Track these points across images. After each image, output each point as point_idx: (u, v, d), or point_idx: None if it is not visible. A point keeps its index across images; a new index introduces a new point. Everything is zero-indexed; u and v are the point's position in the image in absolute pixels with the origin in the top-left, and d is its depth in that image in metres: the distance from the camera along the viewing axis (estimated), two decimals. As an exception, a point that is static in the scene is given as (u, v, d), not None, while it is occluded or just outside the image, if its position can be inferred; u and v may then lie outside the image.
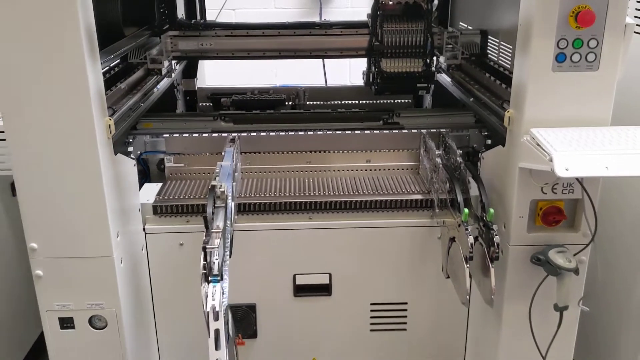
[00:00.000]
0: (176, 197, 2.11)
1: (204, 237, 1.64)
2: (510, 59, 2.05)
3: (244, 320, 2.20)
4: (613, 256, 2.12)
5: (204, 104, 2.97)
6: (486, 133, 2.11)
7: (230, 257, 1.75)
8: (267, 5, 4.20)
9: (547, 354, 1.83)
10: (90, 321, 1.85)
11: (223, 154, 2.02)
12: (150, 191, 2.14)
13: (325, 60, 3.91)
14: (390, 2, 2.53)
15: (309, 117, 2.48)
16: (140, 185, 2.11)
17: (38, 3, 1.51)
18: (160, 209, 2.07)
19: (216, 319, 1.53)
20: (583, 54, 1.62)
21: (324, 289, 2.18)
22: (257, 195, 2.12)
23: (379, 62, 2.55)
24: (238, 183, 2.14)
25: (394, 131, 2.30)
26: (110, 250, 1.76)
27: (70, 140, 1.63)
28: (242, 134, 2.21)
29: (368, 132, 2.31)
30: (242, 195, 2.12)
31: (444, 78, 2.71)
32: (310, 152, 2.30)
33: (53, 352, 1.88)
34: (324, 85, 3.68)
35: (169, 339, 2.19)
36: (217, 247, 1.61)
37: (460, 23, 2.75)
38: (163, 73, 2.56)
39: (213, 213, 1.71)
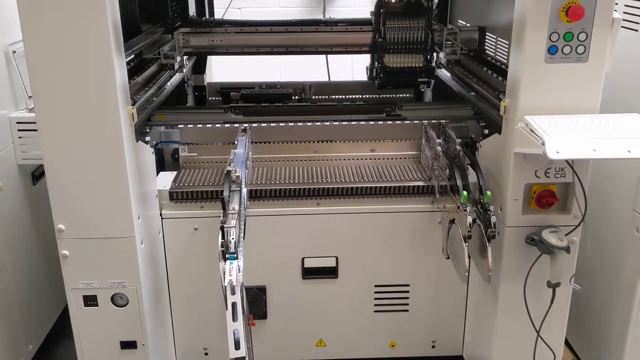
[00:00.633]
0: (191, 184, 2.23)
1: (222, 218, 1.76)
2: (506, 53, 2.17)
3: (255, 301, 2.32)
4: (602, 237, 2.24)
5: (213, 98, 3.08)
6: (483, 124, 2.23)
7: (244, 239, 1.87)
8: (272, 4, 4.32)
9: (541, 329, 1.95)
10: (113, 299, 1.97)
11: (236, 142, 2.14)
12: (166, 179, 2.26)
13: (328, 57, 4.06)
14: (393, 0, 2.65)
15: (316, 110, 2.60)
16: (156, 174, 2.23)
17: (72, 2, 1.63)
18: (176, 195, 2.19)
19: (233, 292, 1.65)
20: (573, 46, 1.75)
21: (331, 272, 2.30)
22: (268, 183, 2.24)
23: (382, 58, 2.67)
24: (249, 171, 2.25)
25: (396, 122, 2.41)
26: (132, 231, 1.88)
27: (97, 127, 1.76)
28: (253, 125, 2.33)
29: (372, 123, 2.43)
30: (254, 183, 2.24)
31: (444, 73, 2.82)
32: (318, 142, 2.42)
33: (77, 329, 2.00)
34: (327, 80, 3.80)
35: (183, 316, 2.31)
36: (234, 227, 1.73)
37: (459, 20, 2.86)
38: (175, 68, 2.68)
39: (229, 196, 1.83)
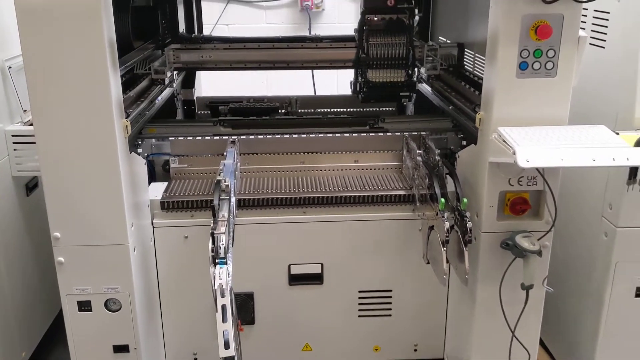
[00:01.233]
0: (181, 194, 2.31)
1: (212, 225, 1.85)
2: (483, 68, 2.29)
3: (243, 307, 2.40)
4: (574, 242, 2.36)
5: (203, 112, 3.18)
6: (461, 135, 2.34)
7: (232, 245, 1.96)
8: (259, 21, 4.44)
9: (517, 329, 2.05)
10: (106, 304, 2.05)
11: (225, 154, 2.23)
12: (158, 189, 2.34)
13: (314, 72, 4.18)
14: (375, 18, 2.76)
15: (301, 122, 2.70)
16: (148, 185, 2.31)
17: (70, 21, 1.73)
18: (167, 205, 2.27)
19: (223, 295, 1.73)
20: (543, 62, 1.87)
21: (317, 278, 2.38)
22: (256, 192, 2.33)
23: (365, 73, 2.77)
24: (238, 181, 2.35)
25: (379, 134, 2.52)
26: (126, 238, 1.96)
27: (93, 139, 1.84)
28: (241, 137, 2.43)
29: (356, 135, 2.53)
30: (242, 192, 2.33)
31: (425, 87, 2.94)
32: (303, 153, 2.51)
33: (71, 333, 2.06)
34: (313, 94, 3.91)
35: (173, 322, 2.38)
36: (224, 233, 1.82)
37: (440, 37, 3.00)
38: (165, 83, 2.77)
39: (219, 204, 1.92)
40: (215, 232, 1.81)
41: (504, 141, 1.81)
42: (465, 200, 1.96)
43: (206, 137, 2.43)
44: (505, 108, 1.91)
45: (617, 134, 1.84)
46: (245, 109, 2.86)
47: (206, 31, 3.43)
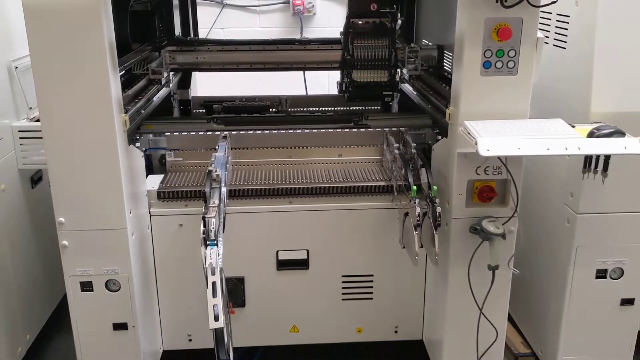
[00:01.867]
0: (176, 185, 2.49)
1: (203, 210, 2.03)
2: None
3: (234, 291, 2.57)
4: (541, 227, 2.54)
5: (197, 111, 3.35)
6: (437, 131, 2.52)
7: (223, 232, 2.13)
8: (253, 25, 4.62)
9: (486, 309, 2.23)
10: (107, 285, 2.22)
11: (217, 147, 2.41)
12: (155, 180, 2.51)
13: (306, 73, 4.36)
14: (360, 22, 2.94)
15: (290, 119, 2.88)
16: (146, 177, 2.48)
17: (73, 24, 1.91)
18: (163, 195, 2.45)
19: (213, 273, 1.91)
20: (504, 61, 2.05)
21: (303, 264, 2.55)
22: (246, 183, 2.51)
23: (351, 73, 2.94)
24: (229, 173, 2.52)
25: (361, 130, 2.70)
26: (125, 223, 2.14)
27: (95, 132, 2.02)
28: (233, 133, 2.60)
29: (340, 131, 2.71)
30: (233, 184, 2.50)
31: (407, 87, 3.11)
32: (291, 147, 2.69)
33: (74, 312, 2.24)
34: (304, 94, 4.08)
35: (169, 304, 2.55)
36: (214, 217, 2.00)
37: (423, 40, 3.17)
38: (162, 83, 2.95)
39: (210, 192, 2.10)
40: (206, 216, 1.99)
41: (469, 133, 1.98)
42: (435, 187, 2.14)
43: (200, 133, 2.61)
44: (471, 103, 2.08)
45: (573, 126, 2.02)
46: (237, 107, 3.03)
47: (202, 34, 3.61)
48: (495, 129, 1.99)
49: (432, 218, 2.12)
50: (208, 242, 1.96)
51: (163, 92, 2.95)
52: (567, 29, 2.32)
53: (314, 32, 4.56)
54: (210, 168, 2.17)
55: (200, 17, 3.48)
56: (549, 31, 2.45)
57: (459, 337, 2.37)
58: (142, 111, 2.51)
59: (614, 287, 2.37)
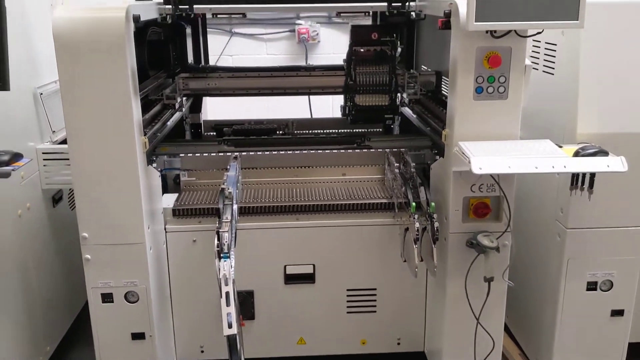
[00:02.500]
0: (190, 203, 2.65)
1: (217, 225, 2.18)
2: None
3: (244, 304, 2.71)
4: (534, 241, 2.68)
5: (208, 134, 3.53)
6: (435, 151, 2.68)
7: (234, 246, 2.28)
8: (260, 52, 4.82)
9: (482, 319, 2.36)
10: (126, 296, 2.37)
11: (228, 167, 2.57)
12: (170, 199, 2.67)
13: (311, 97, 4.53)
14: (362, 50, 3.12)
15: (296, 141, 3.05)
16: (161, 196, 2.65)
17: (100, 54, 2.09)
18: (178, 212, 2.60)
19: (227, 284, 2.06)
20: (495, 87, 2.22)
21: (309, 278, 2.70)
22: (255, 201, 2.66)
23: (353, 98, 3.11)
24: (240, 191, 2.68)
25: (364, 151, 2.86)
26: (143, 238, 2.29)
27: (118, 153, 2.19)
28: (242, 153, 2.77)
29: (343, 151, 2.87)
30: (243, 201, 2.66)
31: (407, 110, 3.28)
32: (297, 167, 2.85)
33: (95, 322, 2.38)
34: (309, 117, 4.26)
35: (182, 317, 2.69)
36: (227, 231, 2.15)
37: (422, 66, 3.35)
38: (176, 107, 3.12)
39: (223, 208, 2.26)
40: (220, 230, 2.14)
41: (463, 153, 2.14)
42: (432, 204, 2.29)
43: (212, 154, 2.78)
44: (465, 126, 2.25)
45: (561, 146, 2.18)
46: (246, 129, 3.20)
47: (212, 61, 3.79)
48: (488, 149, 2.15)
49: (430, 233, 2.27)
50: (222, 255, 2.11)
51: (176, 116, 3.12)
52: (554, 57, 2.49)
53: (318, 58, 4.75)
54: (223, 186, 2.33)
55: (210, 45, 3.67)
56: (538, 58, 2.62)
57: (458, 347, 2.49)
58: (158, 134, 2.68)
59: (604, 298, 2.50)
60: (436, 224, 2.24)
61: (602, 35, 2.26)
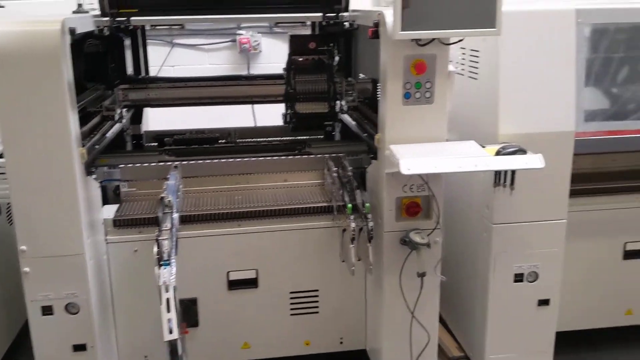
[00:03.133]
0: (131, 213, 2.66)
1: (157, 233, 2.21)
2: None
3: (187, 312, 2.73)
4: (465, 237, 2.82)
5: (150, 145, 3.53)
6: (372, 155, 2.78)
7: (176, 254, 2.31)
8: (202, 62, 4.85)
9: (417, 313, 2.47)
10: (66, 308, 2.36)
11: (168, 176, 2.60)
12: (110, 210, 2.68)
13: (257, 105, 4.59)
14: (300, 59, 3.21)
15: (238, 149, 3.10)
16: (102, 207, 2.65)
17: (35, 66, 2.10)
18: (119, 223, 2.61)
19: (167, 290, 2.09)
20: (422, 92, 2.34)
21: (252, 283, 2.75)
22: (197, 209, 2.69)
23: (294, 106, 3.20)
24: (180, 200, 2.71)
25: (304, 157, 2.94)
26: (83, 249, 2.30)
27: (55, 165, 2.20)
28: (183, 162, 2.80)
29: (285, 158, 2.94)
30: (184, 210, 2.69)
31: (346, 117, 3.39)
32: (239, 175, 2.89)
33: (36, 336, 2.37)
34: (252, 126, 4.32)
35: (125, 327, 2.68)
36: (167, 239, 2.19)
37: (360, 74, 3.47)
38: (115, 119, 3.12)
39: (162, 217, 2.29)
40: (159, 238, 2.18)
41: (393, 155, 2.25)
42: (367, 205, 2.40)
43: (152, 164, 2.80)
44: (395, 129, 2.36)
45: (484, 147, 2.32)
46: (187, 139, 3.23)
47: (153, 72, 3.81)
48: (416, 151, 2.27)
49: (366, 232, 2.37)
50: (161, 263, 2.15)
51: (116, 127, 3.13)
52: (478, 62, 2.64)
53: (260, 67, 4.82)
54: (162, 195, 2.36)
55: (151, 56, 3.69)
56: (464, 64, 2.77)
57: (396, 342, 2.59)
58: (97, 146, 2.69)
59: (531, 289, 2.66)
60: (371, 224, 2.34)
61: (519, 42, 2.42)
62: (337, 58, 3.46)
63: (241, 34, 4.74)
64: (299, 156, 2.95)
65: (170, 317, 2.07)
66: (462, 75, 2.76)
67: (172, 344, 2.07)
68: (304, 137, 3.52)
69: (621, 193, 2.86)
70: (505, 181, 2.38)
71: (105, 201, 2.80)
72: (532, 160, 2.20)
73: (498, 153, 2.26)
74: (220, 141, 3.36)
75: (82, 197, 2.29)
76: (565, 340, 2.85)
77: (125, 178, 2.81)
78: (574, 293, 2.82)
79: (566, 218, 2.58)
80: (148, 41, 3.64)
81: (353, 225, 2.35)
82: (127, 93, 3.25)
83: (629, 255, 2.93)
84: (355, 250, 2.37)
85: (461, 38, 2.30)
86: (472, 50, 2.69)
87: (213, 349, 2.79)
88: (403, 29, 2.17)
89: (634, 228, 2.90)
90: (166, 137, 3.35)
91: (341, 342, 2.88)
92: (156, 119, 3.98)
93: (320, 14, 2.89)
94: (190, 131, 3.41)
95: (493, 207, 2.54)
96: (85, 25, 2.49)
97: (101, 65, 3.20)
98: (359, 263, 2.44)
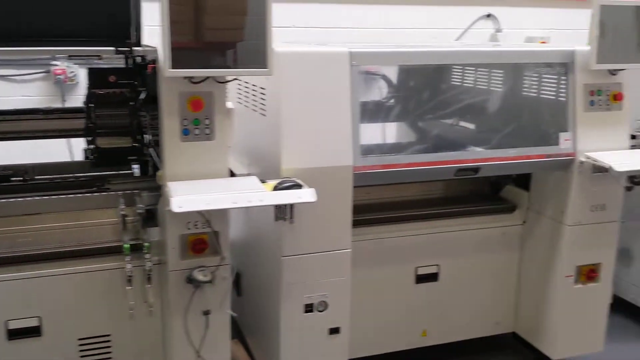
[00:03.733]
0: None
1: None
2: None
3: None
4: (262, 269, 2.87)
5: None
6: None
7: None
8: (14, 94, 4.53)
9: (205, 350, 2.43)
10: None
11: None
12: None
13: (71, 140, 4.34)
14: (101, 92, 3.10)
15: (30, 187, 2.90)
16: None
17: None
18: None
19: None
20: (202, 129, 2.35)
21: (35, 331, 2.55)
22: (-31, 255, 2.47)
23: (95, 140, 3.07)
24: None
25: (102, 194, 2.81)
26: None
27: None
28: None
29: (80, 195, 2.80)
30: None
31: (154, 152, 3.31)
32: (27, 215, 2.71)
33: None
34: (56, 161, 4.05)
35: None
36: None
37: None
38: None
39: None
40: None
41: (168, 193, 2.22)
42: (147, 244, 2.34)
43: None
44: (175, 166, 2.34)
45: (264, 182, 2.36)
46: (-28, 179, 2.97)
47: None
48: (195, 188, 2.26)
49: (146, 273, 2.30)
50: None
51: None
52: (265, 100, 2.71)
53: (78, 100, 4.59)
54: None
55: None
56: (256, 101, 2.83)
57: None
58: None
59: (321, 319, 2.73)
60: (148, 264, 2.28)
61: (298, 81, 2.52)
62: (143, 93, 3.40)
63: (56, 65, 4.50)
64: (95, 194, 2.82)
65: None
66: (255, 111, 2.82)
67: None
68: (106, 173, 3.41)
69: (412, 221, 3.06)
70: (286, 215, 2.43)
71: None
72: (304, 195, 2.28)
73: (275, 188, 2.31)
74: (12, 179, 3.13)
75: None
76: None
77: None
78: (368, 319, 2.94)
79: (350, 247, 2.69)
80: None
81: (128, 267, 2.27)
82: None
83: (421, 279, 3.13)
84: (132, 292, 2.29)
85: (235, 77, 2.35)
86: (260, 87, 2.76)
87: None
88: (174, 67, 2.18)
89: (424, 253, 3.10)
90: (-49, 176, 3.07)
91: (140, 387, 2.76)
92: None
93: (112, 48, 2.81)
94: (-18, 168, 3.15)
95: (281, 239, 2.59)
96: None
97: None
98: (143, 305, 2.35)
